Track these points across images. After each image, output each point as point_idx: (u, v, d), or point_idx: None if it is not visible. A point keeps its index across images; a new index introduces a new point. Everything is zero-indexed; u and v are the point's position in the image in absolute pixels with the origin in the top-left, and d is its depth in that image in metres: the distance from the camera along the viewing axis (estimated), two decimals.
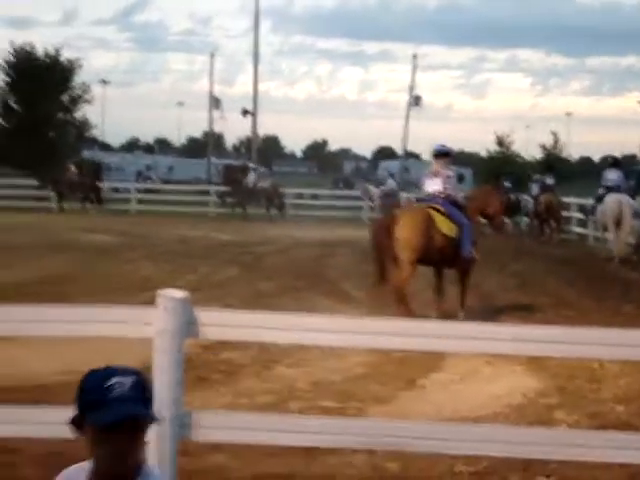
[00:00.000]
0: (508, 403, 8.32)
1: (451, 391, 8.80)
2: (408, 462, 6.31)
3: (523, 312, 13.43)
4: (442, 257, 12.56)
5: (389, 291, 12.45)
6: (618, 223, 21.93)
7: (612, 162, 24.22)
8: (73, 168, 38.48)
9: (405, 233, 12.29)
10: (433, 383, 9.05)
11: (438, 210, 12.61)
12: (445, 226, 12.49)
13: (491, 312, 13.23)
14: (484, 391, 8.81)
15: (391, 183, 40.54)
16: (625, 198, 22.37)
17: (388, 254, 12.35)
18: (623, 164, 26.12)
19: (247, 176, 38.65)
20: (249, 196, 37.49)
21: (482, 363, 9.56)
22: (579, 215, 30.96)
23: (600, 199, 23.09)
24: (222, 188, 40.06)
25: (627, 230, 22.12)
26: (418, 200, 14.75)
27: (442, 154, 13.33)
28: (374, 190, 39.37)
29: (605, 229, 23.32)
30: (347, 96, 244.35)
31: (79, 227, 27.78)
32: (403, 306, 12.05)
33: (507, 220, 27.36)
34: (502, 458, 5.51)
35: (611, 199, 22.32)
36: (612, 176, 22.92)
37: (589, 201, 27.73)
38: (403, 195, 38.56)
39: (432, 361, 9.53)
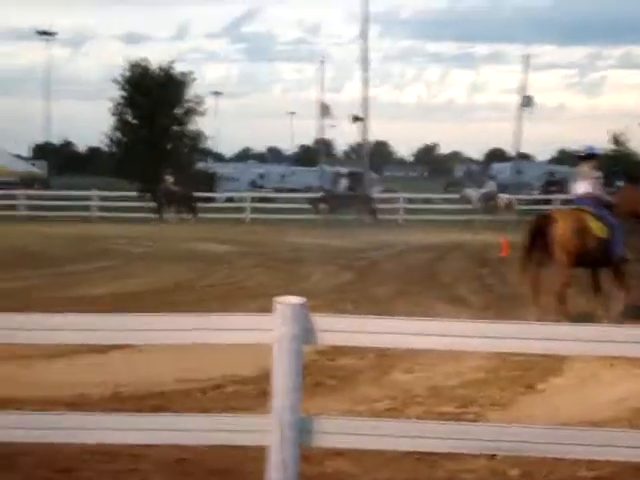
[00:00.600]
0: (630, 407, 8.14)
1: (571, 395, 8.65)
2: (528, 467, 6.23)
3: None
4: (595, 259, 12.77)
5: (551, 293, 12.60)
6: None
7: None
8: (170, 178, 39.05)
9: (562, 234, 12.49)
10: (553, 387, 8.92)
11: (589, 212, 12.80)
12: (597, 228, 12.67)
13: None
14: (605, 395, 8.64)
15: (491, 185, 40.13)
16: None
17: (541, 254, 12.63)
18: None
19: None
20: (340, 202, 37.63)
21: (603, 366, 9.38)
22: None
23: None
24: (316, 195, 40.38)
25: None
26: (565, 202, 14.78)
27: (590, 156, 13.51)
28: (473, 193, 39.04)
29: None
30: (457, 99, 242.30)
31: (195, 237, 28.32)
32: (563, 307, 12.36)
33: None
34: (627, 463, 5.39)
35: None
36: None
37: None
38: (503, 196, 38.19)
39: (551, 365, 9.39)
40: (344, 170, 47.11)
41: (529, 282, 12.77)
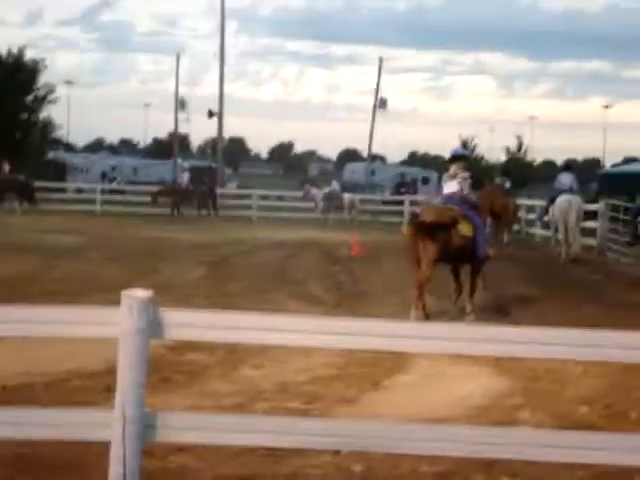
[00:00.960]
0: (473, 404, 8.35)
1: (416, 392, 8.82)
2: (372, 463, 6.31)
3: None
4: (460, 256, 13.18)
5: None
6: (567, 223, 22.65)
7: (565, 166, 25.89)
8: (7, 166, 37.74)
9: (428, 230, 12.77)
10: (398, 384, 9.07)
11: (455, 210, 13.18)
12: (463, 226, 13.04)
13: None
14: (449, 392, 8.84)
15: (334, 185, 40.67)
16: (575, 198, 23.17)
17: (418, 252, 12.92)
18: (579, 168, 27.41)
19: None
20: (181, 196, 37.50)
21: (448, 364, 9.59)
22: (530, 216, 31.91)
23: (552, 201, 23.78)
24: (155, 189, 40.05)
25: (574, 229, 22.64)
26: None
27: (459, 157, 14.24)
28: (316, 192, 39.45)
29: (557, 230, 24.10)
30: (313, 98, 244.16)
31: (43, 228, 27.58)
32: (419, 302, 12.73)
33: None
34: (466, 458, 5.52)
35: (561, 199, 23.09)
36: (565, 179, 23.75)
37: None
38: (345, 196, 38.83)
39: (398, 362, 9.55)
40: (186, 164, 46.86)
41: (416, 280, 12.95)
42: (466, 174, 13.70)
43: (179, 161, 54.90)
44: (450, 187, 13.66)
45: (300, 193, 41.37)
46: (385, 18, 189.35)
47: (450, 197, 13.55)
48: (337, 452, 6.18)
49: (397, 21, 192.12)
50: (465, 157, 14.48)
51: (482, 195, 14.89)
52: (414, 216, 13.87)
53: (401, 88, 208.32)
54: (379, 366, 9.45)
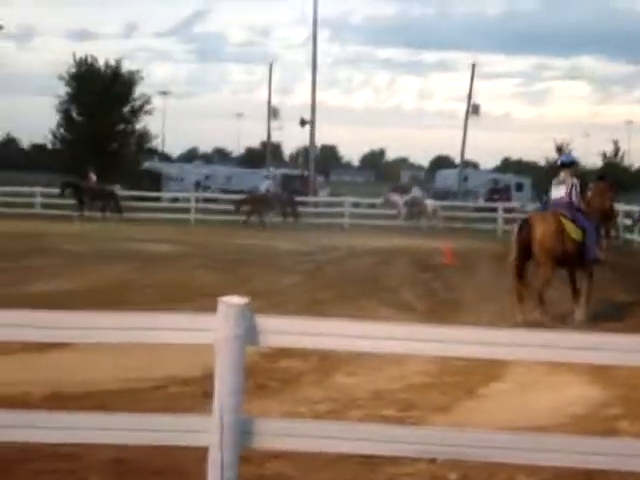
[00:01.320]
0: (569, 413, 8.22)
1: (512, 401, 8.71)
2: (468, 471, 6.26)
3: None
4: (571, 260, 13.59)
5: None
6: None
7: None
8: (93, 176, 38.21)
9: (541, 236, 13.28)
10: (494, 392, 8.97)
11: (563, 215, 13.54)
12: (571, 230, 13.43)
13: None
14: (545, 401, 8.71)
15: (416, 191, 40.29)
16: None
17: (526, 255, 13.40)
18: None
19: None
20: (264, 204, 37.41)
21: (544, 373, 9.46)
22: (628, 222, 31.45)
23: None
24: (238, 197, 40.06)
25: None
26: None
27: (569, 164, 14.49)
28: (397, 199, 39.16)
29: None
30: (405, 105, 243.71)
31: (139, 237, 28.10)
32: (542, 306, 13.17)
33: None
34: (564, 468, 5.43)
35: None
36: None
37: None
38: (427, 202, 38.48)
39: (493, 370, 9.45)
40: (270, 173, 47.05)
41: (515, 287, 13.44)
42: (575, 180, 13.98)
43: (271, 169, 55.19)
44: (559, 192, 13.93)
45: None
46: (477, 23, 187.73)
47: (558, 202, 13.82)
48: (433, 460, 6.14)
49: (489, 26, 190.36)
50: (574, 164, 14.90)
51: (591, 198, 14.86)
52: (524, 222, 13.91)
53: (492, 93, 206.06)
54: (474, 374, 9.37)
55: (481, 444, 4.80)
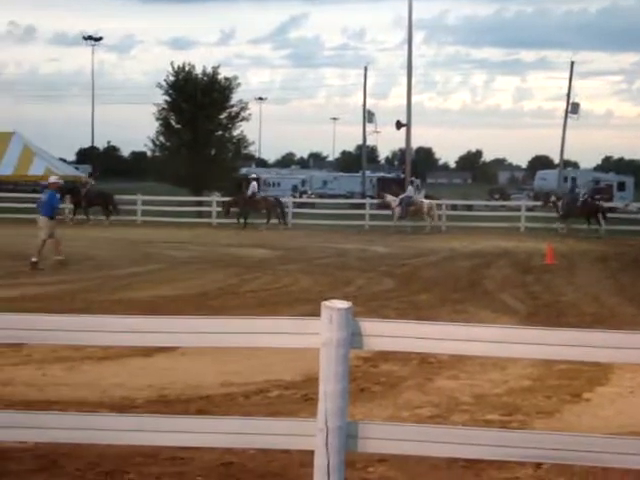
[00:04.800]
0: None
1: (619, 405, 8.53)
2: (575, 476, 6.15)
3: None
4: None
5: None
6: None
7: None
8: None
9: None
10: (599, 396, 8.79)
11: None
12: None
13: None
14: None
15: (409, 191, 39.29)
16: None
17: None
18: None
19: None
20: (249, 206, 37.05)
21: None
22: None
23: None
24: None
25: None
26: None
27: None
28: (392, 198, 38.31)
29: None
30: (502, 105, 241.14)
31: (239, 242, 28.41)
32: None
33: None
34: None
35: None
36: None
37: None
38: (425, 201, 37.85)
39: (598, 374, 9.27)
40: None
41: None
42: None
43: (378, 173, 55.19)
44: None
45: (488, 202, 40.76)
46: (576, 21, 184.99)
47: None
48: (539, 465, 6.05)
49: (588, 24, 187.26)
50: None
51: None
52: None
53: (593, 92, 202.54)
54: (578, 378, 9.21)
55: (589, 448, 4.71)
